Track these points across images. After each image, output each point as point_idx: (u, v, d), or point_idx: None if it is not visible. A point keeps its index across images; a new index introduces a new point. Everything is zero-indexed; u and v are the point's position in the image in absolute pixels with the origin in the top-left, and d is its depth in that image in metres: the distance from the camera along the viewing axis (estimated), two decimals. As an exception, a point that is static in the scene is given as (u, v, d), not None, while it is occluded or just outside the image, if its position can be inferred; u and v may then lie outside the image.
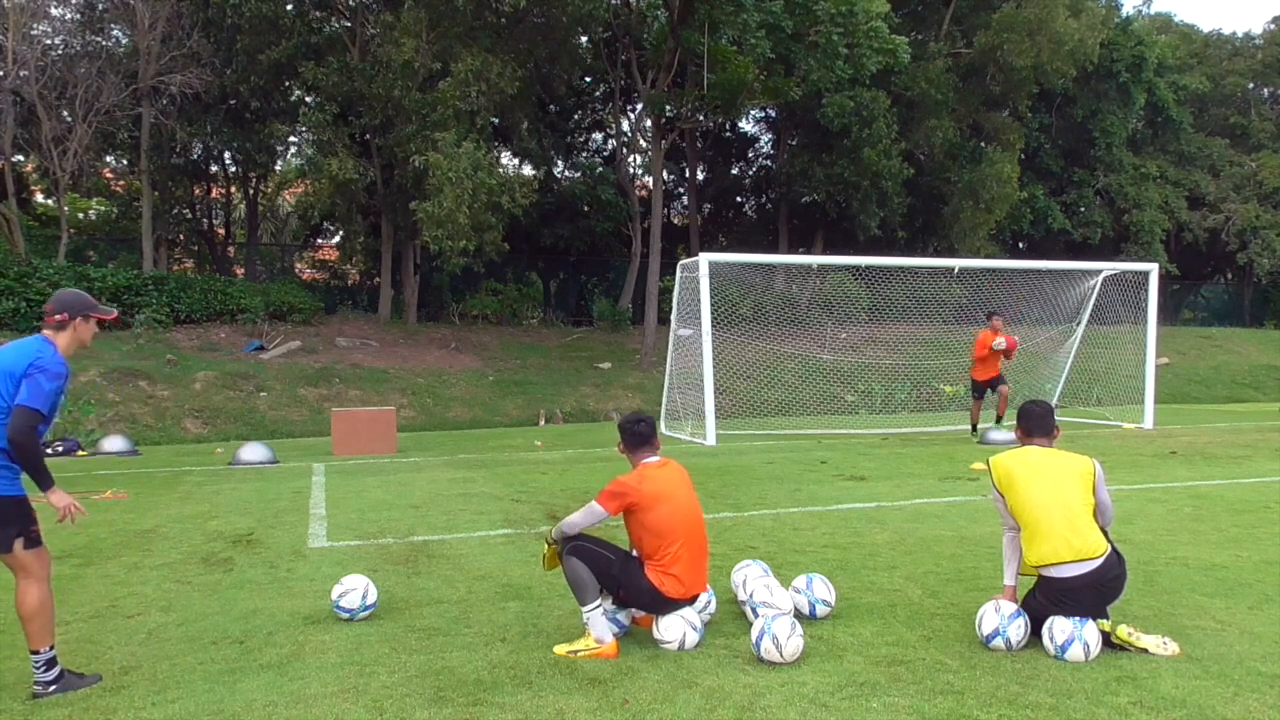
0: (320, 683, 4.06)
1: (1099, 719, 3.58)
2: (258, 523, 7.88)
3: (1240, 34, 41.94)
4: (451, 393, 20.41)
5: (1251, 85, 40.25)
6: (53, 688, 3.97)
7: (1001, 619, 4.36)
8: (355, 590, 4.98)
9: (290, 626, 4.89)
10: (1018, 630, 4.35)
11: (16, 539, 3.95)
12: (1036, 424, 4.66)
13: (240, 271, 30.33)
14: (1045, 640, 4.28)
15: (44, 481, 3.92)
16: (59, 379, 3.97)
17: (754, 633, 4.28)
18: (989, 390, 14.17)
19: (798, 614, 4.72)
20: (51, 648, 4.01)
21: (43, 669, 3.98)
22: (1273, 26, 40.27)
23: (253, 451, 12.41)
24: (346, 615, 4.94)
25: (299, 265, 32.82)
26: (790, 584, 4.97)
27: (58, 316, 4.12)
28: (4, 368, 3.93)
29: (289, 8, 22.60)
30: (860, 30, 23.72)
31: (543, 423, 19.48)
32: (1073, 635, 4.19)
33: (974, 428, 14.41)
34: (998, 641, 4.34)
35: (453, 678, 4.09)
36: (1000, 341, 13.85)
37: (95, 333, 4.26)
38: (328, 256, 33.24)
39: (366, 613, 4.98)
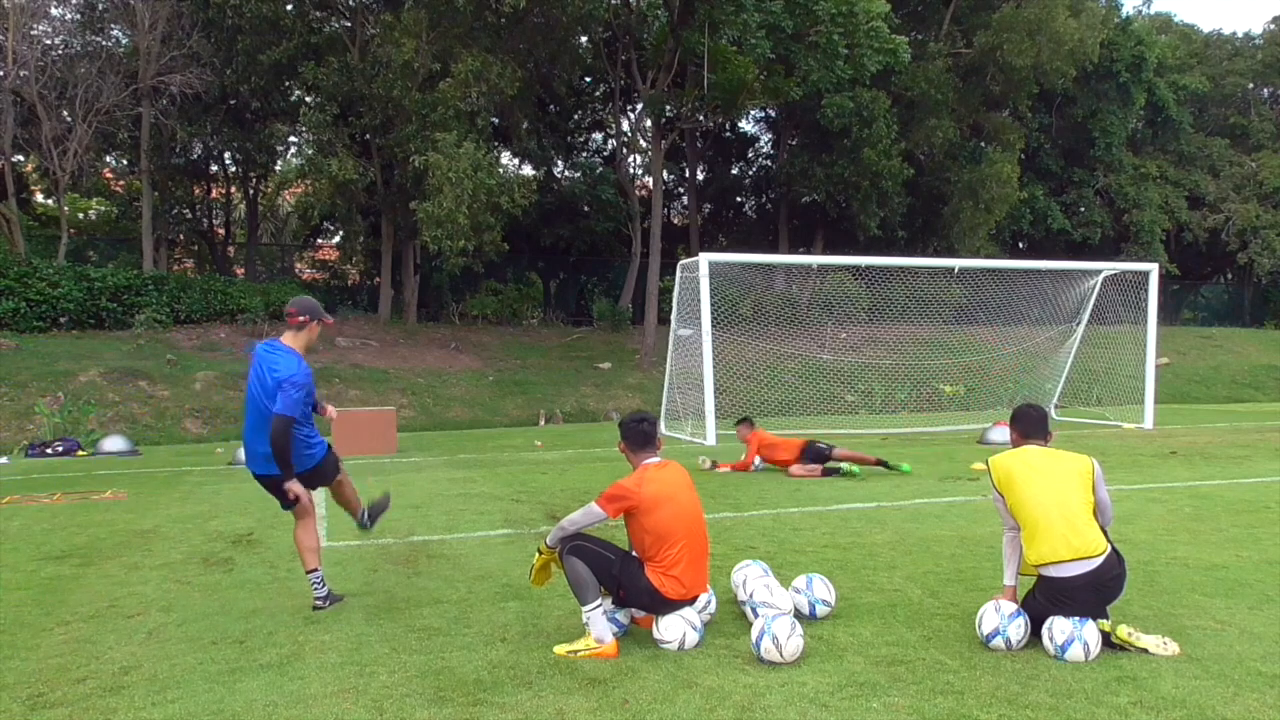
0: (320, 683, 4.06)
1: (1099, 719, 3.58)
2: (258, 523, 7.88)
3: (1240, 34, 42.01)
4: (451, 393, 20.40)
5: (1251, 85, 40.23)
6: (320, 603, 5.07)
7: (1001, 619, 4.36)
8: None
9: (290, 626, 4.88)
10: (1018, 630, 4.34)
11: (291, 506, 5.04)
12: (1033, 426, 4.67)
13: (240, 271, 30.33)
14: (1045, 640, 4.27)
15: (287, 472, 4.84)
16: (304, 384, 4.84)
17: (754, 633, 4.28)
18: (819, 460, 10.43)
19: (798, 614, 4.72)
20: (314, 569, 5.09)
21: (318, 585, 5.10)
22: (1273, 26, 40.27)
23: (253, 451, 12.38)
24: None
25: (299, 265, 32.83)
26: (790, 584, 4.97)
27: (301, 318, 4.93)
28: (266, 375, 4.88)
29: (289, 8, 22.60)
30: (860, 30, 23.73)
31: (543, 423, 19.47)
32: (1073, 635, 4.19)
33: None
34: (998, 641, 4.34)
35: (453, 678, 4.09)
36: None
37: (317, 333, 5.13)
38: (328, 256, 33.24)
39: None
